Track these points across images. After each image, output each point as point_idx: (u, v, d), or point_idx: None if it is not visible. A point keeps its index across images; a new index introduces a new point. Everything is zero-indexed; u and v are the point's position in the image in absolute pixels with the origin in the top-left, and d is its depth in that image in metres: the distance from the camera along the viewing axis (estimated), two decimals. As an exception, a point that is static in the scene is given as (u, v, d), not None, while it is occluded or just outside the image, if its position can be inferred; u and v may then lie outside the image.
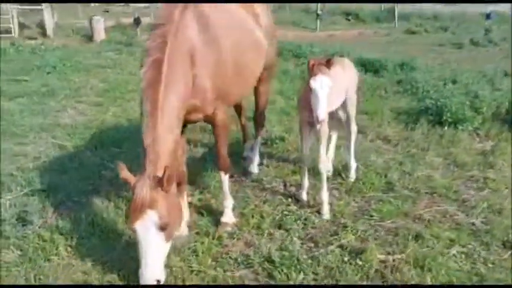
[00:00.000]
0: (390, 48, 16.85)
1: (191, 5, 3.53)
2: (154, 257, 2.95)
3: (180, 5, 3.44)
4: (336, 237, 3.78)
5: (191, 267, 3.37)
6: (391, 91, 8.52)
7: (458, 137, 5.95)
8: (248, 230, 3.91)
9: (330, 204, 4.26)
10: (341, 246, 3.64)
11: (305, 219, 4.07)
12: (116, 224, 3.93)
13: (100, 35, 21.11)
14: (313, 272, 3.32)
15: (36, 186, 4.59)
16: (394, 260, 3.45)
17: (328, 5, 27.82)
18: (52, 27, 21.55)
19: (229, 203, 4.07)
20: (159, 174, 2.95)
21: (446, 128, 6.24)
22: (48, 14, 21.54)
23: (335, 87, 3.89)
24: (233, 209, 4.08)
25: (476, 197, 4.45)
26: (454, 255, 3.53)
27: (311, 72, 3.65)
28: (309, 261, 3.43)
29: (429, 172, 4.99)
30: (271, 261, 3.40)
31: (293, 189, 4.67)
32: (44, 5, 21.66)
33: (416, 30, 21.45)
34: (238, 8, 4.25)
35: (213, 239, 3.76)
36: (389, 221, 4.05)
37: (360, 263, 3.40)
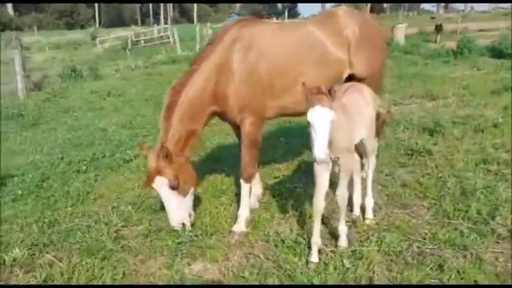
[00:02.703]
0: None
1: (244, 27, 4.20)
2: (174, 208, 4.04)
3: (235, 26, 4.22)
4: (362, 243, 3.84)
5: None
6: None
7: None
8: (297, 217, 4.41)
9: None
10: (354, 251, 3.73)
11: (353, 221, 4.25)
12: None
13: (400, 41, 22.43)
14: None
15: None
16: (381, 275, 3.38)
17: None
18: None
19: (243, 212, 4.28)
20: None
21: None
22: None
23: (356, 119, 3.64)
24: (246, 220, 4.28)
25: None
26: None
27: (308, 102, 3.07)
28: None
29: None
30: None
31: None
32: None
33: None
34: (306, 24, 4.52)
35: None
36: (435, 246, 3.73)
37: (348, 265, 3.49)
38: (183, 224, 4.15)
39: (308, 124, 3.07)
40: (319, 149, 2.96)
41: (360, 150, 4.28)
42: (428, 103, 9.13)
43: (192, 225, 4.26)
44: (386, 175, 5.33)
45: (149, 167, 4.05)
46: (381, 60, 4.93)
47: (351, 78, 4.62)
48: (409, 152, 5.90)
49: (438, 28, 24.43)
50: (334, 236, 3.95)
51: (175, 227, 4.16)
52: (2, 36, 29.12)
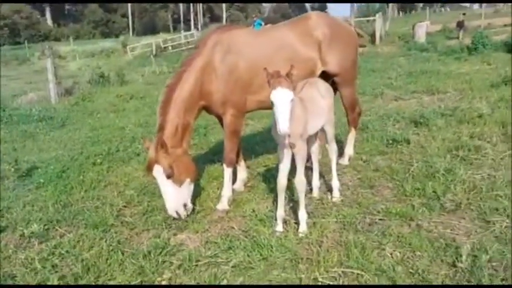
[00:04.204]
0: None
1: (224, 32, 4.85)
2: (168, 196, 4.43)
3: (216, 32, 4.88)
4: (323, 216, 4.40)
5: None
6: None
7: None
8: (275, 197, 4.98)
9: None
10: (315, 223, 4.27)
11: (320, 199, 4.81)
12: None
13: (420, 38, 22.63)
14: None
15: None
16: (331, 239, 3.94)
17: None
18: (380, 35, 24.10)
19: (226, 192, 4.88)
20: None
21: None
22: (379, 24, 24.18)
23: (311, 112, 4.02)
24: (229, 199, 4.90)
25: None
26: (385, 254, 3.64)
27: (270, 85, 3.55)
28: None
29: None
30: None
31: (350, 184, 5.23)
32: (377, 15, 24.48)
33: None
34: (280, 27, 5.13)
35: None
36: (385, 218, 4.25)
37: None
38: (177, 213, 4.55)
39: (271, 104, 3.54)
40: (283, 123, 3.42)
41: (322, 138, 4.84)
42: (426, 98, 9.50)
43: (188, 215, 4.68)
44: (364, 161, 5.85)
45: (149, 157, 4.51)
46: (352, 58, 5.47)
47: (325, 74, 5.21)
48: (391, 141, 6.37)
49: (460, 24, 24.46)
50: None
51: (169, 214, 4.55)
52: (39, 46, 30.80)
